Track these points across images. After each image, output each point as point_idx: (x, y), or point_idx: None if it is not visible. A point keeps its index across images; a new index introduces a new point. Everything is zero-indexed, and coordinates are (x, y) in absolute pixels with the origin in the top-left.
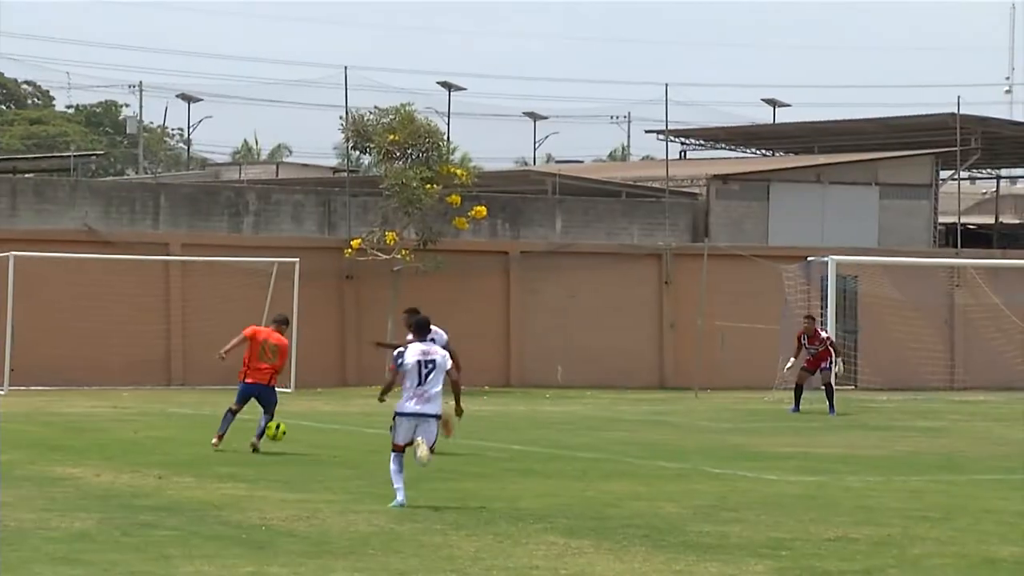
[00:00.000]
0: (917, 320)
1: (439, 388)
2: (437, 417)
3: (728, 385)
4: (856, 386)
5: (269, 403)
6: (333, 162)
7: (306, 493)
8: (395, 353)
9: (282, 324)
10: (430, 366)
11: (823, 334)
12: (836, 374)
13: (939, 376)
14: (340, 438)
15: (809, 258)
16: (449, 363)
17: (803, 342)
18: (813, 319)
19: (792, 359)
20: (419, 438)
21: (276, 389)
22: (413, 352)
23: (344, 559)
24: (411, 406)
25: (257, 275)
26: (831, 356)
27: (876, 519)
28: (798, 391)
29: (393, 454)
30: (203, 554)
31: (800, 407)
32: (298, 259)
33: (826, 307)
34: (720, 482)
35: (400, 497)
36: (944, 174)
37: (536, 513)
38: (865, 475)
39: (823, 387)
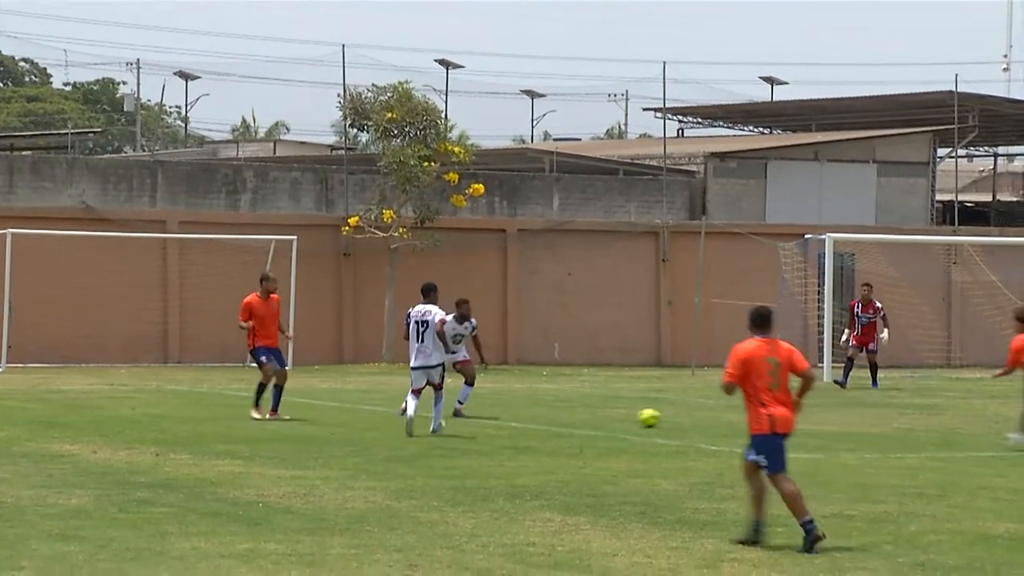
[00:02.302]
0: (914, 298)
1: (433, 343)
2: (435, 367)
3: (724, 362)
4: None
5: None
6: (331, 140)
7: (303, 470)
8: (406, 313)
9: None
10: (424, 325)
11: (877, 304)
12: (883, 343)
13: (936, 354)
14: (337, 415)
15: (806, 236)
16: (438, 318)
17: (856, 311)
18: (870, 287)
19: (846, 331)
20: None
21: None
22: (416, 313)
23: (341, 536)
24: (416, 361)
25: (254, 253)
26: (877, 331)
27: (872, 496)
28: (848, 365)
29: (410, 393)
30: (199, 531)
31: (848, 381)
32: (295, 237)
33: (823, 285)
34: (716, 459)
35: (410, 411)
36: (942, 152)
37: (533, 490)
38: (861, 452)
39: (868, 364)
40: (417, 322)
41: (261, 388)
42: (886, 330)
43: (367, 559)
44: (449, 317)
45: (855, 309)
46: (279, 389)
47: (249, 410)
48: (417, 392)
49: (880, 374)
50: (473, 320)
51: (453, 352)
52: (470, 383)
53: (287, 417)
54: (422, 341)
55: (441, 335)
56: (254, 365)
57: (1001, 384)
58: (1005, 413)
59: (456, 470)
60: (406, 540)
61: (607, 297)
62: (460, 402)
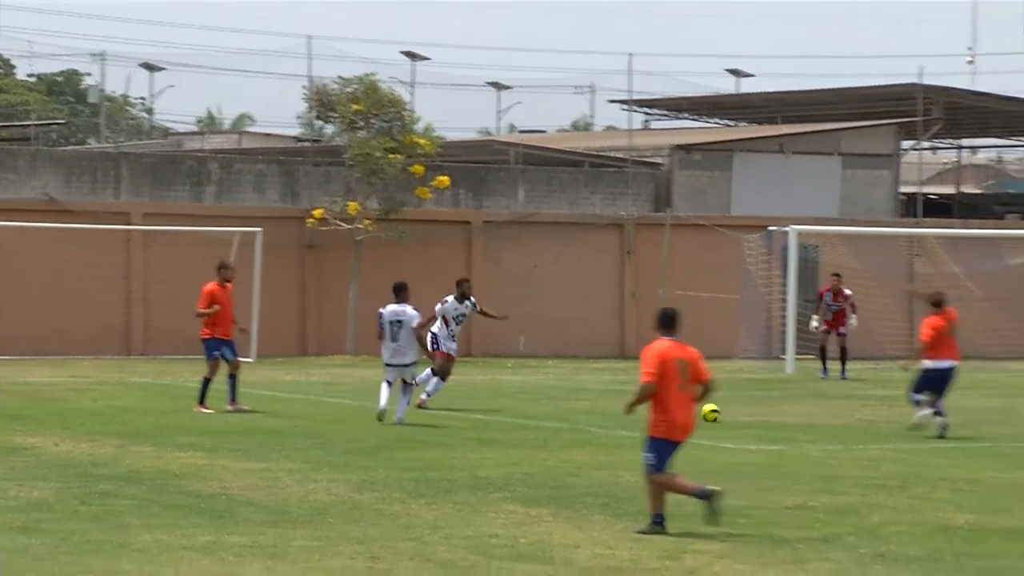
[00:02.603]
0: (877, 289)
1: (408, 342)
2: (409, 365)
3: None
4: (815, 355)
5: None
6: (296, 132)
7: (266, 462)
8: (378, 312)
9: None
10: (399, 325)
11: (847, 292)
12: (851, 329)
13: (898, 345)
14: (300, 407)
15: (770, 228)
16: (415, 321)
17: (826, 299)
18: (839, 276)
19: (815, 316)
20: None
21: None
22: (388, 313)
23: (303, 528)
24: (387, 357)
25: (219, 245)
26: (847, 317)
27: (834, 487)
28: (822, 354)
29: (384, 383)
30: (162, 523)
31: (827, 373)
32: (260, 229)
33: (787, 277)
34: (679, 451)
35: (382, 403)
36: (906, 144)
37: (496, 482)
38: (824, 444)
39: (839, 351)
40: (391, 322)
41: (207, 383)
42: (854, 316)
43: (329, 551)
44: (450, 298)
45: (825, 297)
46: (233, 379)
47: (193, 405)
48: (389, 384)
49: (847, 364)
50: (472, 298)
51: (453, 335)
52: (443, 378)
53: (247, 408)
54: (396, 340)
55: (420, 337)
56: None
57: (961, 376)
58: (967, 404)
59: (419, 462)
60: (368, 532)
61: (572, 289)
62: (428, 394)
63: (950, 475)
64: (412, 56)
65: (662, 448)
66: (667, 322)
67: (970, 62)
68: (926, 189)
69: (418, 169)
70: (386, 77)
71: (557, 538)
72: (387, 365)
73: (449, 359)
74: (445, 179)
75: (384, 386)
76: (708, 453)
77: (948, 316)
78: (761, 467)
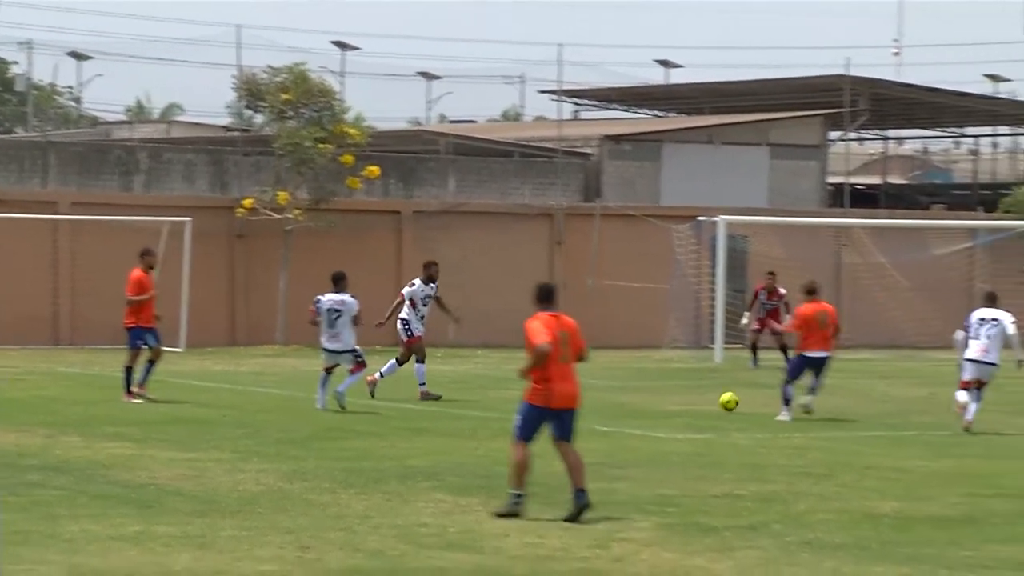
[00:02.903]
0: (804, 278)
1: (346, 330)
2: (345, 352)
3: (618, 344)
4: (744, 345)
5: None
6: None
7: (194, 452)
8: (315, 299)
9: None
10: (337, 313)
11: (782, 290)
12: (744, 324)
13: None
14: (230, 397)
15: (699, 218)
16: (356, 309)
17: (761, 297)
18: (774, 275)
19: (747, 314)
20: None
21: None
22: (327, 302)
23: (232, 518)
24: (323, 342)
25: (148, 234)
26: (781, 314)
27: (761, 476)
28: (753, 349)
29: (324, 374)
30: (90, 513)
31: (758, 363)
32: (190, 218)
33: (715, 266)
34: (608, 440)
35: (319, 405)
36: (833, 135)
37: (426, 471)
38: (751, 432)
39: (778, 347)
40: (329, 309)
41: (130, 372)
42: (788, 316)
43: (258, 541)
44: (417, 281)
45: (760, 295)
46: (152, 364)
47: (121, 395)
48: (328, 371)
49: (771, 354)
50: (437, 283)
51: (422, 317)
52: (421, 360)
53: (153, 397)
54: (332, 327)
55: (356, 319)
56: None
57: (888, 365)
58: (893, 393)
59: (349, 452)
60: (298, 522)
61: (502, 279)
62: (382, 374)
63: (876, 463)
64: (342, 46)
65: (532, 414)
66: (546, 296)
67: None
68: (853, 179)
69: (348, 159)
70: (316, 67)
71: (486, 527)
72: (324, 350)
73: (419, 340)
74: (375, 169)
75: (321, 378)
76: (638, 442)
77: (820, 306)
78: (689, 456)
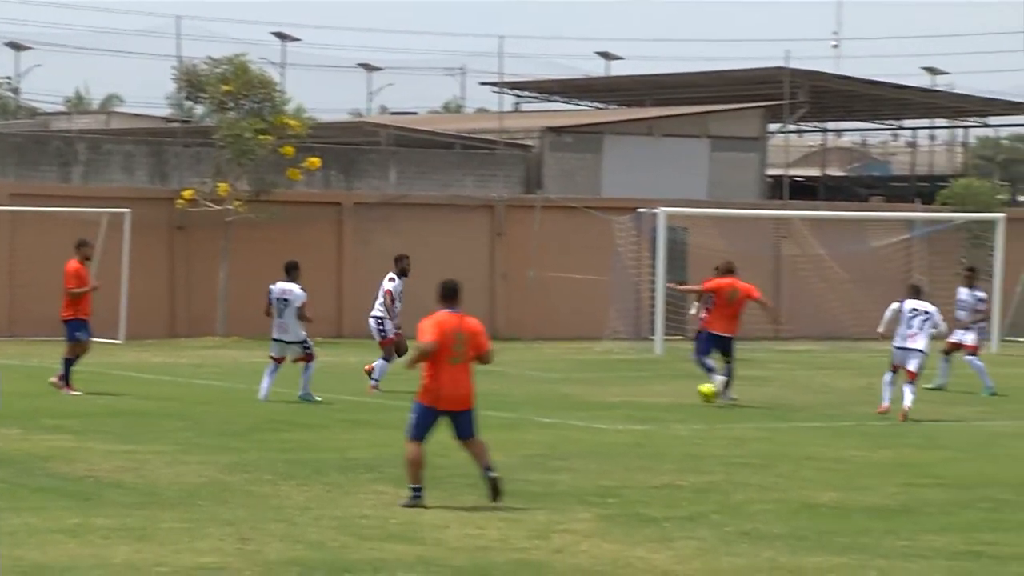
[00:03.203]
0: (744, 271)
1: (294, 320)
2: (293, 343)
3: (559, 335)
4: (685, 336)
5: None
6: (165, 112)
7: (134, 444)
8: (268, 288)
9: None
10: (284, 303)
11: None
12: (692, 315)
13: (764, 326)
14: (169, 389)
15: (640, 210)
16: (300, 301)
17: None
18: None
19: (696, 303)
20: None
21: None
22: (276, 290)
23: (172, 510)
24: (274, 334)
25: (87, 226)
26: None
27: (700, 466)
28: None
29: (273, 363)
30: (29, 506)
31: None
32: (129, 210)
33: (656, 258)
34: (549, 431)
35: (262, 395)
36: (772, 127)
37: (366, 463)
38: (691, 423)
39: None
40: (277, 298)
41: (69, 363)
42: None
43: (199, 533)
44: (395, 275)
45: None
46: (78, 358)
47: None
48: (277, 361)
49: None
50: (407, 275)
51: (397, 313)
52: (401, 354)
53: (59, 384)
54: (281, 317)
55: (303, 316)
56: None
57: (826, 356)
58: (832, 384)
59: (289, 443)
60: (238, 514)
61: (443, 270)
62: (375, 380)
63: (815, 454)
64: (282, 37)
65: (423, 414)
66: (449, 294)
67: (835, 46)
68: (792, 172)
69: (288, 150)
70: (256, 58)
71: (427, 518)
72: (272, 340)
73: (393, 341)
74: (316, 160)
75: (268, 368)
76: (579, 433)
77: (733, 283)
78: (629, 447)
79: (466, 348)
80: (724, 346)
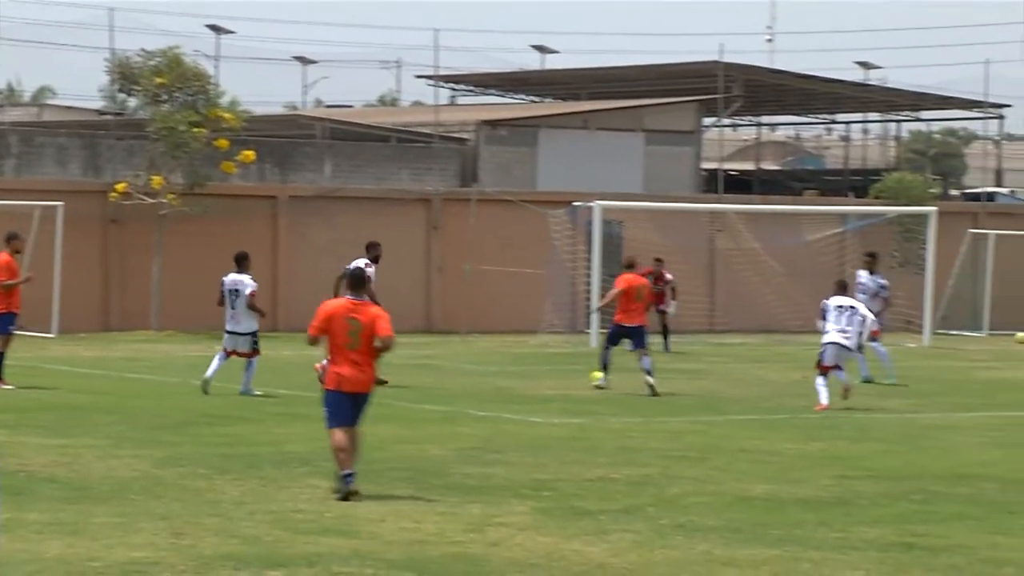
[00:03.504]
0: (679, 264)
1: (244, 311)
2: (245, 334)
3: (494, 329)
4: None
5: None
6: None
7: (67, 439)
8: (221, 280)
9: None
10: (236, 294)
11: (668, 276)
12: (671, 315)
13: (699, 319)
14: (102, 383)
15: (575, 203)
16: (250, 290)
17: (648, 282)
18: (662, 261)
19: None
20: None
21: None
22: (228, 282)
23: (105, 504)
24: (227, 325)
25: (19, 219)
26: (667, 297)
27: (636, 459)
28: None
29: (223, 352)
30: None
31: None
32: (62, 203)
33: (591, 252)
34: (484, 425)
35: (208, 372)
36: (707, 121)
37: (301, 457)
38: (626, 417)
39: (660, 327)
40: (229, 290)
41: (1, 357)
42: (673, 302)
43: (132, 527)
44: (371, 269)
45: (647, 279)
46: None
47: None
48: (226, 354)
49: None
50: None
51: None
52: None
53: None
54: (233, 308)
55: (252, 306)
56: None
57: (761, 349)
58: (766, 377)
59: (224, 437)
60: (172, 508)
61: (380, 264)
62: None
63: (749, 446)
64: (217, 30)
65: (331, 400)
66: (353, 282)
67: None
68: (727, 165)
69: (223, 143)
70: (190, 50)
71: (362, 512)
72: (225, 332)
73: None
74: (251, 153)
75: (218, 356)
76: (514, 427)
77: (637, 279)
78: (564, 440)
79: (362, 334)
80: (637, 335)
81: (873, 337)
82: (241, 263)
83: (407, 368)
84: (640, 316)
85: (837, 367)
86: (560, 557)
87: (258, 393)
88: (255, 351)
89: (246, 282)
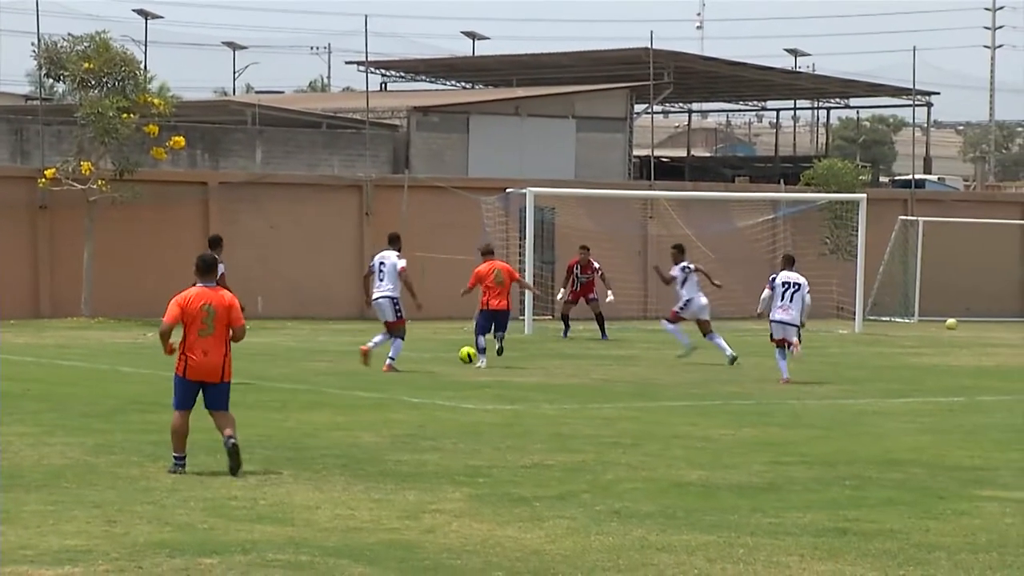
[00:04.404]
0: (612, 251)
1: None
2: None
3: (428, 316)
4: (553, 316)
5: None
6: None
7: None
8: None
9: None
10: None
11: (595, 264)
12: (610, 302)
13: (632, 305)
14: (33, 370)
15: (508, 190)
16: (220, 270)
17: (576, 272)
18: (588, 249)
19: (563, 289)
20: None
21: None
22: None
23: (37, 492)
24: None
25: None
26: (595, 287)
27: (570, 446)
28: (565, 319)
29: None
30: None
31: (569, 333)
32: None
33: (524, 238)
34: (418, 411)
35: None
36: (638, 107)
37: None
38: (560, 403)
39: (594, 316)
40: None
41: None
42: (610, 292)
43: (64, 515)
44: (404, 261)
45: (575, 269)
46: None
47: None
48: None
49: (580, 326)
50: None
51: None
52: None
53: None
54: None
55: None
56: None
57: (694, 336)
58: (698, 363)
59: (156, 425)
60: (105, 496)
61: (311, 250)
62: (392, 357)
63: (683, 433)
64: (144, 14)
65: (178, 385)
66: (203, 269)
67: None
68: (658, 152)
69: (152, 129)
70: (118, 35)
71: (297, 499)
72: None
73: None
74: (180, 139)
75: None
76: (448, 413)
77: (494, 265)
78: (499, 427)
79: (216, 321)
80: (502, 318)
81: (673, 320)
82: (214, 246)
83: (341, 355)
84: (504, 300)
85: (787, 343)
86: (495, 544)
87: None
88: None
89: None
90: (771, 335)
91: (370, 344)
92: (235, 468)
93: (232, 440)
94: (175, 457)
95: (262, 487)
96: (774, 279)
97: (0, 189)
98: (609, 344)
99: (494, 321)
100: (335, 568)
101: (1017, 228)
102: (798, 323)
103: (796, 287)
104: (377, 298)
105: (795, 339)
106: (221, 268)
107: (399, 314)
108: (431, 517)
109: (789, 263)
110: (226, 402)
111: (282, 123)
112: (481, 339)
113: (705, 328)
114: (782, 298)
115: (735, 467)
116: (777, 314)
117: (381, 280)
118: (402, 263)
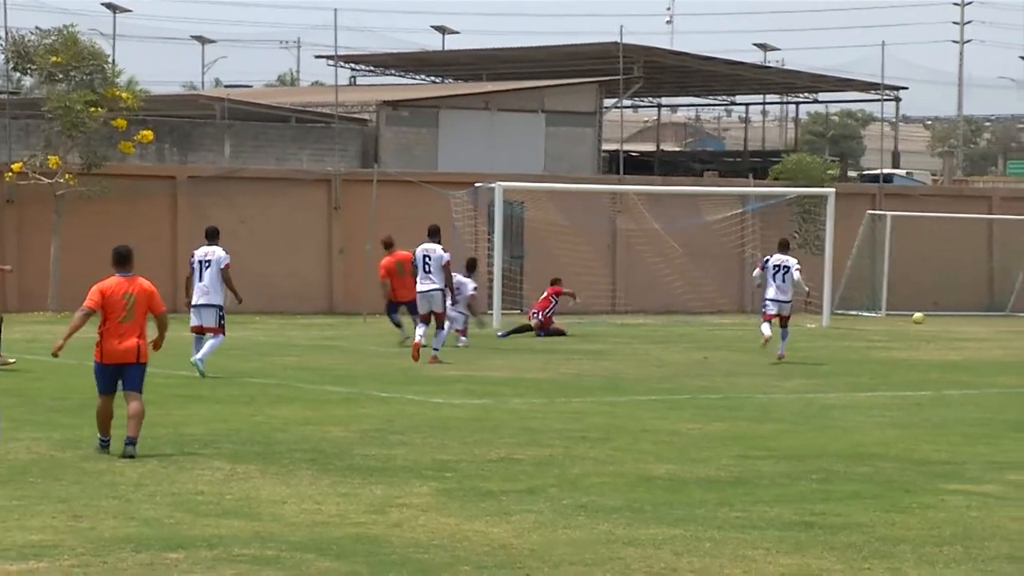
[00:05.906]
0: (581, 245)
1: (215, 283)
2: (213, 305)
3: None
4: (523, 310)
5: None
6: None
7: None
8: (190, 254)
9: None
10: (207, 264)
11: (564, 290)
12: (576, 303)
13: (601, 300)
14: None
15: (477, 184)
16: (225, 263)
17: (555, 301)
18: (559, 280)
19: (538, 313)
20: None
21: None
22: (199, 254)
23: (3, 487)
24: (195, 299)
25: None
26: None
27: (539, 440)
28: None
29: (195, 335)
30: None
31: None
32: None
33: (493, 232)
34: (387, 406)
35: (195, 357)
36: (608, 102)
37: (202, 439)
38: (529, 397)
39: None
40: (200, 261)
41: None
42: (574, 300)
43: (30, 510)
44: (448, 254)
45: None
46: None
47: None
48: (198, 331)
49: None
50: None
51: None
52: (441, 326)
53: None
54: (202, 280)
55: (228, 280)
56: None
57: (662, 330)
58: (667, 358)
59: (123, 420)
60: (71, 490)
61: (280, 245)
62: (436, 348)
63: (651, 427)
64: (113, 8)
65: (97, 370)
66: (120, 260)
67: (669, 22)
68: (628, 146)
69: (120, 123)
70: (86, 29)
71: (264, 494)
72: (191, 307)
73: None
74: (149, 133)
75: (195, 343)
76: (417, 408)
77: (397, 257)
78: (467, 421)
79: (136, 308)
80: (411, 308)
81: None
82: (212, 237)
83: (311, 349)
84: (411, 290)
85: (780, 317)
86: (463, 538)
87: (202, 372)
88: (221, 328)
89: (219, 254)
90: (764, 310)
91: (420, 339)
92: (125, 457)
93: (131, 450)
94: (100, 439)
95: (229, 482)
96: (767, 260)
97: None
98: (578, 338)
99: (406, 307)
100: (301, 562)
101: (984, 223)
102: (790, 299)
103: (786, 269)
104: (428, 291)
105: (785, 313)
106: (226, 258)
107: (447, 306)
108: (398, 511)
109: (784, 247)
110: (140, 383)
111: (251, 117)
112: (395, 316)
113: None
114: (774, 278)
115: (703, 461)
116: (770, 292)
117: (428, 272)
118: (446, 257)
